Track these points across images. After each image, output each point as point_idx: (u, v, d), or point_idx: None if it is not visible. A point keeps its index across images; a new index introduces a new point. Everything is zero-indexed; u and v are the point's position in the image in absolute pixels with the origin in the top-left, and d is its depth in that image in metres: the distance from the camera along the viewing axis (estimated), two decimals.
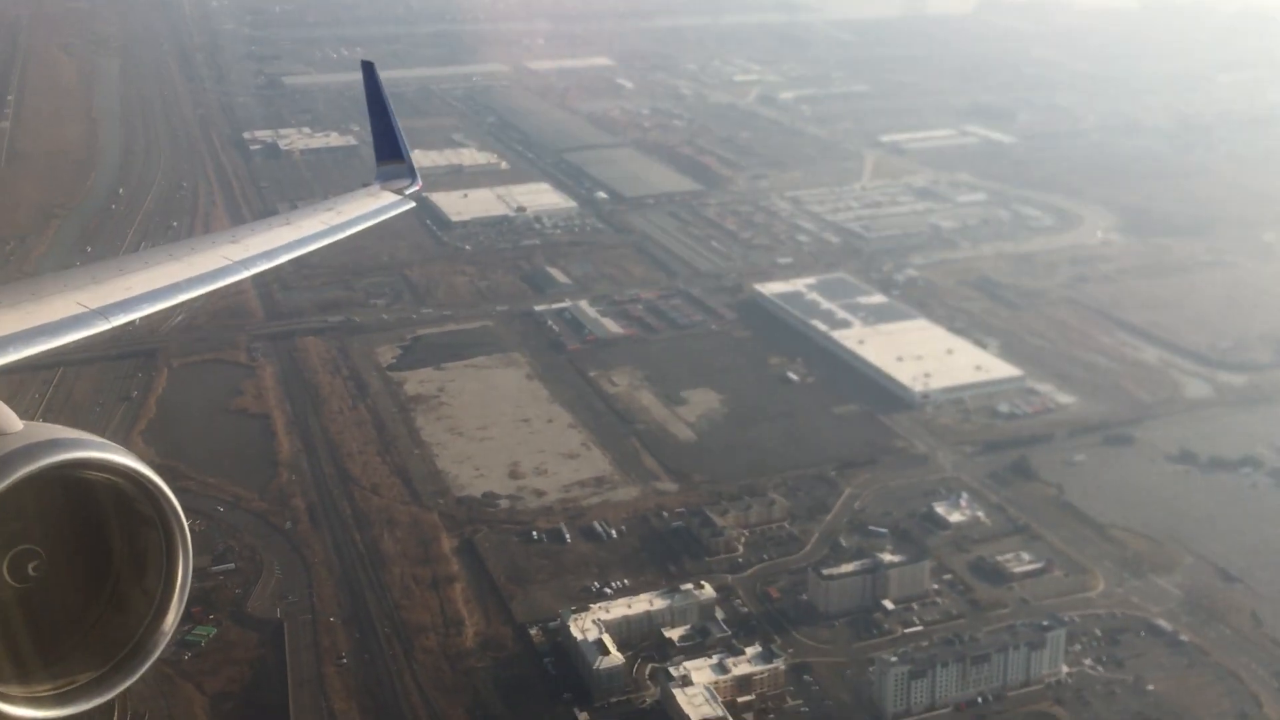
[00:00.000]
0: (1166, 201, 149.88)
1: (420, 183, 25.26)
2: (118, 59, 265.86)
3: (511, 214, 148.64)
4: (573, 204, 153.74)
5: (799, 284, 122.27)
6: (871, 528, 79.00)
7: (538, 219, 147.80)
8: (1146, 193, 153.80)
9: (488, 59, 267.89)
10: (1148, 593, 71.90)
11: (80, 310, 13.95)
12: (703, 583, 71.29)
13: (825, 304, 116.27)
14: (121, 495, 9.36)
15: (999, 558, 74.84)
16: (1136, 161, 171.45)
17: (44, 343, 13.02)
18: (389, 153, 25.52)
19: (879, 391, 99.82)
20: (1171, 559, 75.09)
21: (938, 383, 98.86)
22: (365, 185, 24.66)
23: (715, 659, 63.86)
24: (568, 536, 79.16)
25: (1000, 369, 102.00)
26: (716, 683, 61.95)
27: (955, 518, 79.65)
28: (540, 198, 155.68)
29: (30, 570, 8.99)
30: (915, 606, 70.87)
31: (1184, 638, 67.44)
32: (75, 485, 9.16)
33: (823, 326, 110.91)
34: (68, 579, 9.42)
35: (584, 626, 66.95)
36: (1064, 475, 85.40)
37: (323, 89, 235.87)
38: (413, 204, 24.09)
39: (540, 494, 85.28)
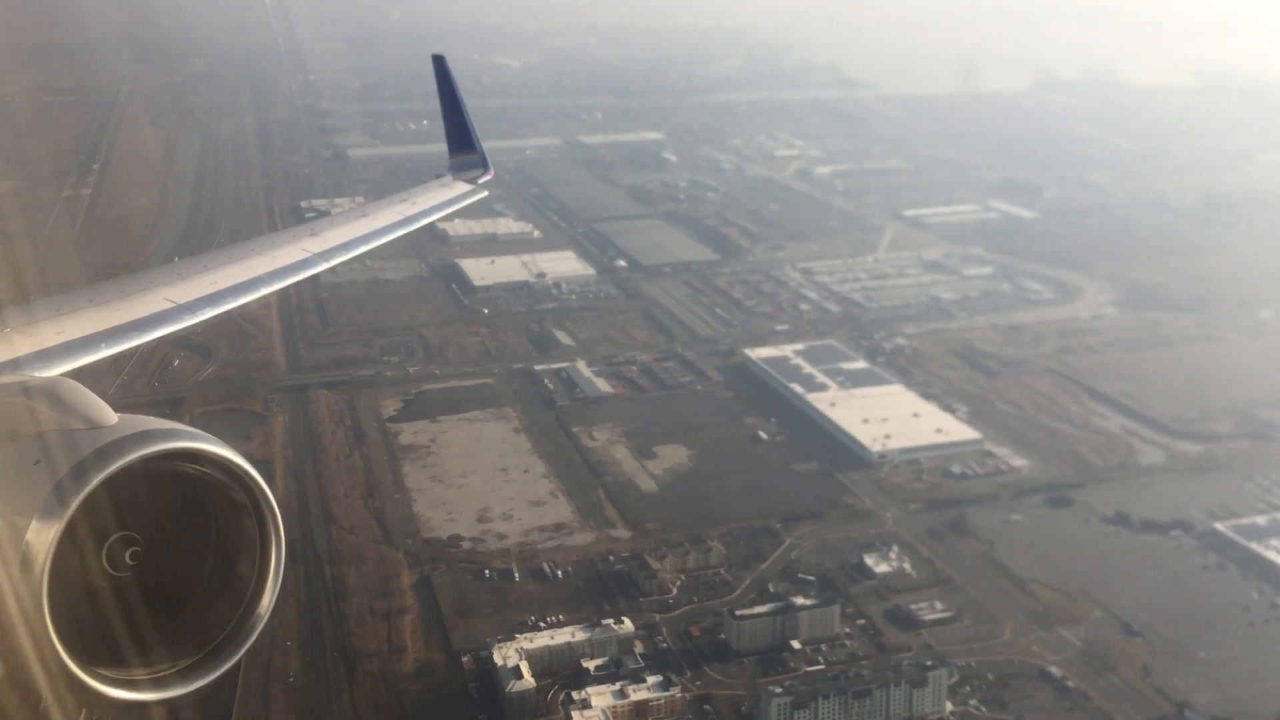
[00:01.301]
0: (1171, 277, 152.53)
1: (492, 172, 25.76)
2: (201, 131, 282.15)
3: (532, 280, 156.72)
4: (591, 271, 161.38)
5: (787, 349, 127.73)
6: (801, 575, 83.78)
7: (556, 285, 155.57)
8: (1154, 268, 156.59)
9: (544, 133, 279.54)
10: (1049, 643, 75.49)
11: (168, 306, 14.51)
12: (623, 618, 76.81)
13: (808, 368, 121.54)
14: (216, 484, 9.62)
15: (913, 606, 79.06)
16: (1153, 238, 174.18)
17: (134, 338, 13.58)
18: (461, 144, 26.13)
19: (841, 451, 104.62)
20: (1080, 613, 78.53)
21: (896, 444, 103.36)
22: (438, 176, 25.25)
23: (617, 686, 69.19)
24: (517, 576, 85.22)
25: (960, 432, 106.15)
26: (614, 707, 67.26)
27: (882, 569, 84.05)
28: (562, 265, 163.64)
29: (129, 558, 9.17)
30: (823, 648, 75.36)
31: (1071, 684, 70.93)
32: (171, 475, 9.42)
33: (800, 389, 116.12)
34: (166, 566, 9.64)
35: (506, 654, 72.82)
36: (998, 533, 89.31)
37: (383, 160, 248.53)
38: (485, 193, 24.66)
39: (502, 537, 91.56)
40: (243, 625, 9.83)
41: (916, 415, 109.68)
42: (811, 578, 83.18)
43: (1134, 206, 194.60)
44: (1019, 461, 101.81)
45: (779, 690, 67.60)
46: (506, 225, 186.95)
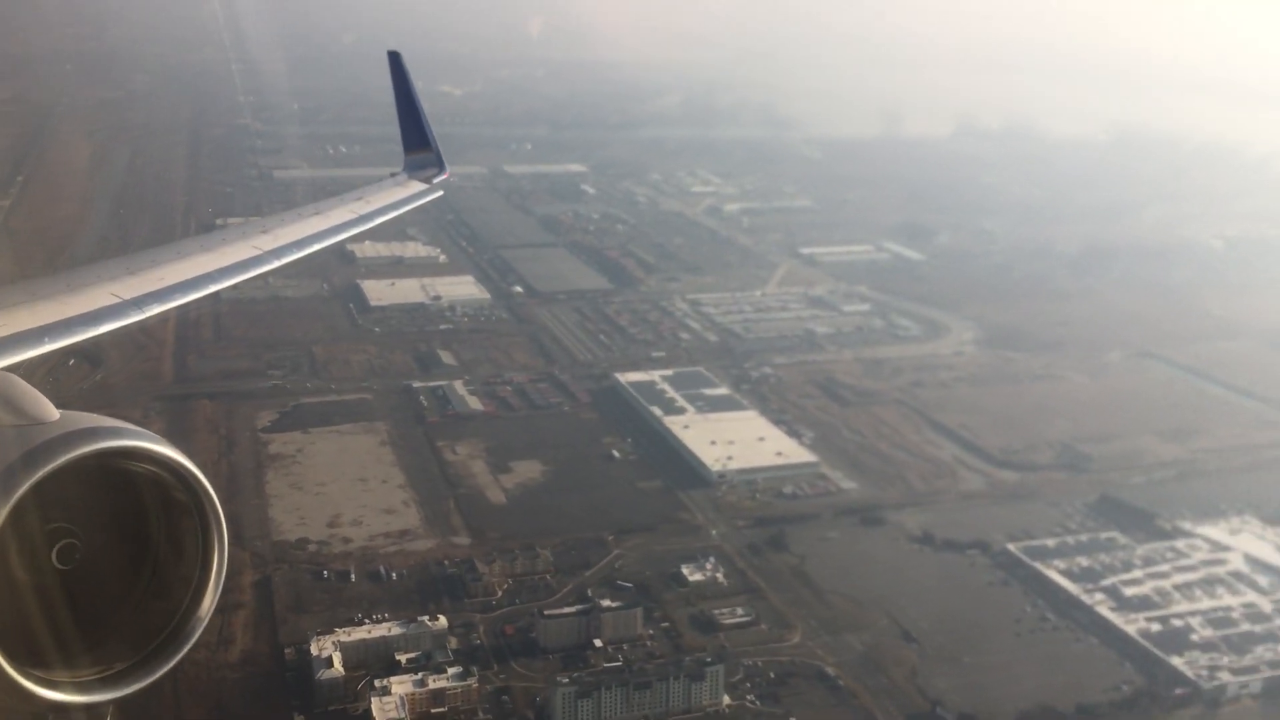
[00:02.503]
0: (1033, 320, 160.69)
1: (448, 171, 25.53)
2: (132, 147, 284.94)
3: (428, 302, 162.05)
4: (487, 296, 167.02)
5: (656, 375, 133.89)
6: (620, 582, 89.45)
7: (451, 307, 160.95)
8: (1019, 311, 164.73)
9: (472, 161, 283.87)
10: (833, 646, 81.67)
11: (114, 301, 14.07)
12: (439, 616, 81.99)
13: (671, 393, 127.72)
14: (158, 483, 9.59)
15: (715, 611, 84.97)
16: (1027, 283, 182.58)
17: (80, 333, 13.24)
18: (417, 142, 25.93)
19: (686, 470, 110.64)
20: (868, 620, 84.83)
21: (736, 464, 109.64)
22: (393, 174, 25.29)
23: (419, 675, 74.38)
24: (353, 577, 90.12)
25: (799, 455, 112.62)
26: (412, 694, 72.42)
27: (696, 578, 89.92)
28: (460, 289, 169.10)
29: (66, 556, 9.02)
30: (625, 647, 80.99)
31: (843, 684, 77.05)
32: (113, 473, 9.35)
33: (659, 412, 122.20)
34: (106, 565, 9.53)
35: (323, 646, 77.74)
36: (812, 548, 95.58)
37: (307, 182, 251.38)
38: (440, 192, 24.54)
39: (348, 541, 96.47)
40: (183, 627, 9.75)
41: (762, 439, 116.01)
42: (629, 585, 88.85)
43: (1018, 253, 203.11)
44: (849, 484, 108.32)
45: (565, 681, 73.04)
46: (414, 249, 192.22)
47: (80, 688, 9.28)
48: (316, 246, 19.09)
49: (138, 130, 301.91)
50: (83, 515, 9.34)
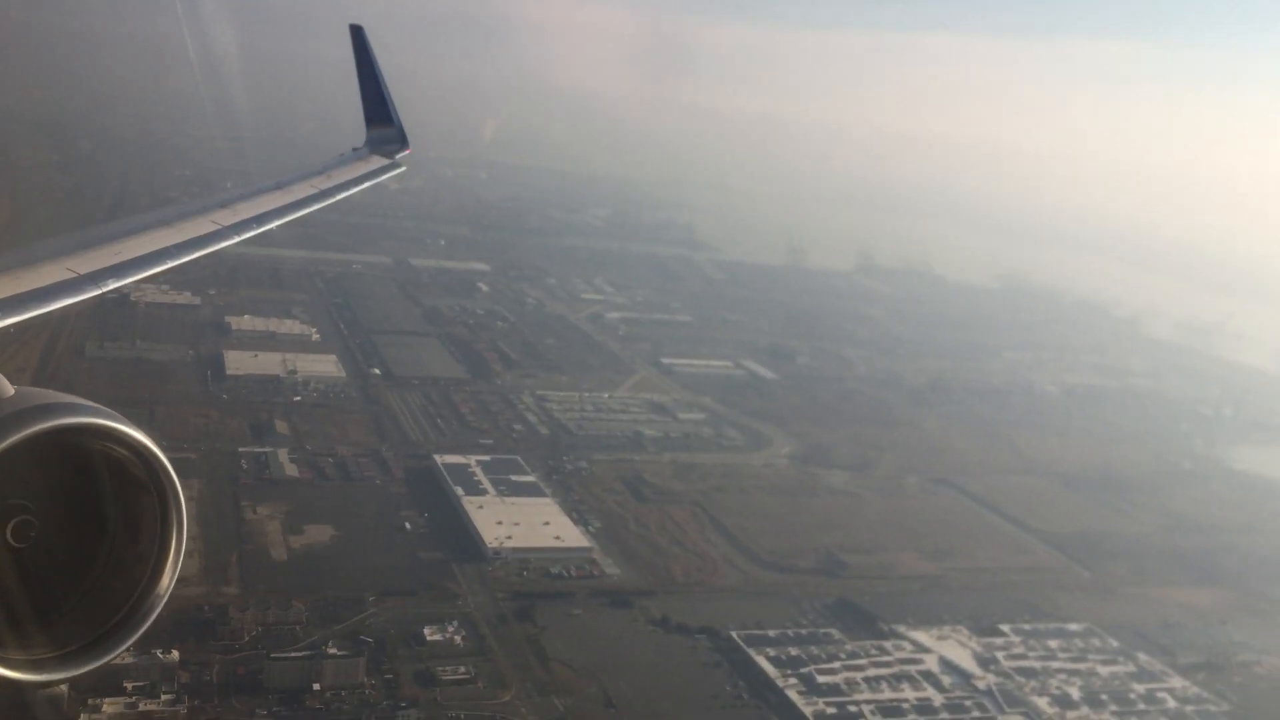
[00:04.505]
0: (853, 441, 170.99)
1: (410, 147, 25.37)
2: (52, 212, 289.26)
3: (283, 375, 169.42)
4: (343, 374, 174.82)
5: (472, 459, 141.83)
6: (363, 637, 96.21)
7: (305, 382, 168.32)
8: (842, 432, 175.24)
9: (381, 251, 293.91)
10: (538, 706, 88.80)
11: (70, 276, 13.75)
12: (173, 650, 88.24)
13: (479, 476, 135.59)
14: (116, 460, 9.55)
15: (439, 668, 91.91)
16: (864, 409, 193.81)
17: (34, 309, 12.83)
18: (378, 117, 25.68)
19: (469, 545, 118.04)
20: (579, 687, 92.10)
21: (513, 544, 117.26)
22: (355, 150, 25.09)
23: (133, 699, 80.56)
24: None
25: (576, 541, 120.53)
26: (121, 714, 78.60)
27: (435, 638, 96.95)
28: (319, 366, 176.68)
29: (22, 534, 8.96)
30: (343, 692, 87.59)
31: None
32: (69, 450, 9.28)
33: (461, 491, 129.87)
34: (62, 543, 9.47)
35: None
36: (555, 622, 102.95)
37: (211, 260, 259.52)
38: (403, 168, 24.46)
39: None
40: (140, 605, 9.74)
41: (547, 524, 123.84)
42: (370, 639, 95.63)
43: (867, 381, 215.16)
44: (613, 570, 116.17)
45: (265, 715, 79.57)
46: (290, 326, 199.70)
47: (36, 666, 9.31)
48: (277, 222, 19.10)
49: (62, 194, 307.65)
50: (38, 492, 9.30)
